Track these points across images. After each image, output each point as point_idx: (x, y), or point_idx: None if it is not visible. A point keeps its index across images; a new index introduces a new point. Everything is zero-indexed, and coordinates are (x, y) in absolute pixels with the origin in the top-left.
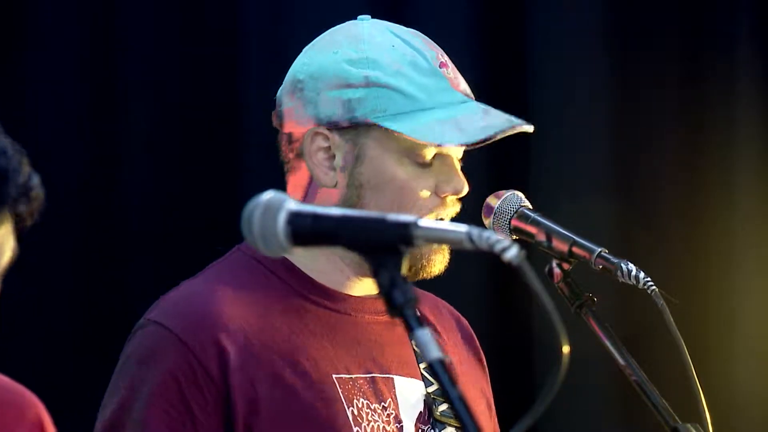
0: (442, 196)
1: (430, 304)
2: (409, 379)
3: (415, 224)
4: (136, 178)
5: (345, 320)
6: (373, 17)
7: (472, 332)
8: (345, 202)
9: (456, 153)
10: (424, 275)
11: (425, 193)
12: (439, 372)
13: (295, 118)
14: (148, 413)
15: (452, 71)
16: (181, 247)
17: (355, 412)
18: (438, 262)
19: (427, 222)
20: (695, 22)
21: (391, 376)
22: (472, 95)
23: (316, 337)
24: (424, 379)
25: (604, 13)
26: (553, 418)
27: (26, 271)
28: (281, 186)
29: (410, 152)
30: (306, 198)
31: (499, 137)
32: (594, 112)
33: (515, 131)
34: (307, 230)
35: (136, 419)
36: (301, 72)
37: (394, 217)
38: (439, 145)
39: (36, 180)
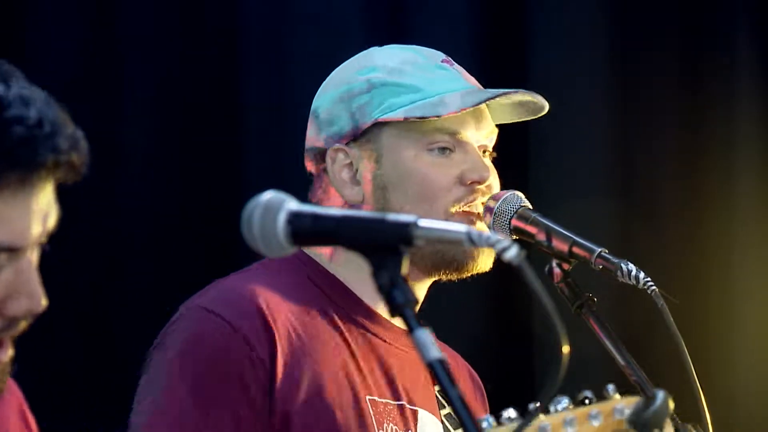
0: (468, 183)
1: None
2: (432, 416)
3: (414, 224)
4: (136, 180)
5: (381, 346)
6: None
7: (482, 385)
8: (374, 210)
9: (476, 141)
10: (474, 270)
11: (449, 183)
12: (439, 372)
13: (317, 144)
14: (213, 399)
15: (458, 68)
16: (181, 248)
17: None
18: (487, 255)
19: (426, 222)
20: (695, 22)
21: (416, 408)
22: (482, 88)
23: (354, 357)
24: (443, 423)
25: (604, 12)
26: None
27: None
28: (281, 186)
29: (425, 143)
30: None
31: (517, 105)
32: (594, 112)
33: (519, 97)
34: (307, 230)
35: (201, 405)
36: (316, 101)
37: (393, 217)
38: (438, 117)
39: (81, 134)
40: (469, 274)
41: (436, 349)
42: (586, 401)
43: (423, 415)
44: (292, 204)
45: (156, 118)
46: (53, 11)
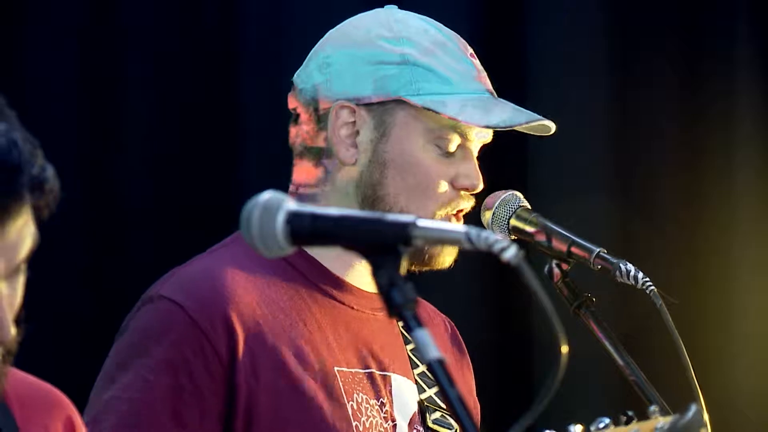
0: (459, 188)
1: (423, 316)
2: (405, 378)
3: (413, 224)
4: (135, 181)
5: (348, 313)
6: None
7: (457, 331)
8: (364, 181)
9: (476, 146)
10: (436, 265)
11: (444, 184)
12: (438, 372)
13: (323, 93)
14: (153, 391)
15: (479, 65)
16: (180, 249)
17: (355, 407)
18: (448, 252)
19: (425, 222)
20: (695, 22)
21: (388, 373)
22: (495, 95)
23: (321, 328)
24: (417, 384)
25: (604, 13)
26: (552, 418)
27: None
28: (281, 186)
29: (436, 138)
30: (322, 180)
31: (523, 126)
32: (594, 112)
33: (538, 123)
34: (306, 230)
35: (139, 396)
36: (331, 48)
37: (392, 216)
38: (465, 124)
39: (50, 172)
40: (432, 269)
41: (435, 348)
42: (629, 421)
43: (396, 379)
44: (291, 204)
45: (155, 118)
46: (53, 10)
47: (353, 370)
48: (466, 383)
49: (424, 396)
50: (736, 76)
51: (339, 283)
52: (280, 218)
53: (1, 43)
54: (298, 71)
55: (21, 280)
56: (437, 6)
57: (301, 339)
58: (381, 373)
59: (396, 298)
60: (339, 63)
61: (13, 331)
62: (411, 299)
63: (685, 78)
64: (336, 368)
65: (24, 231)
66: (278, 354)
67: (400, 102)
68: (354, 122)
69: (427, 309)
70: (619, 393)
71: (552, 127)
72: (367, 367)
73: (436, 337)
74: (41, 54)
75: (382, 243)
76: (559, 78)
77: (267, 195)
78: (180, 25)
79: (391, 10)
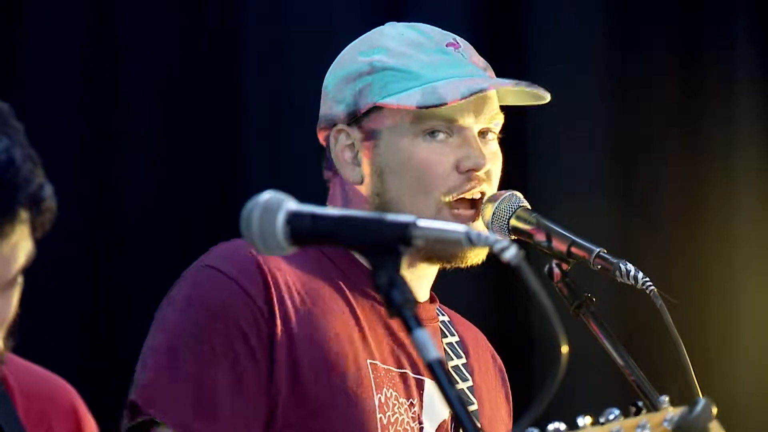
0: (464, 171)
1: (470, 335)
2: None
3: (413, 224)
4: (136, 181)
5: (391, 318)
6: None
7: (503, 369)
8: (371, 193)
9: (476, 126)
10: (467, 263)
11: (446, 171)
12: (437, 372)
13: (324, 123)
14: (213, 350)
15: (465, 50)
16: (181, 249)
17: (382, 400)
18: (478, 251)
19: (425, 222)
20: (694, 22)
21: (423, 378)
22: (493, 74)
23: (359, 323)
24: None
25: (603, 13)
26: (552, 418)
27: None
28: (281, 185)
29: (424, 131)
30: (343, 203)
31: (492, 88)
32: (594, 112)
33: (534, 92)
34: (306, 230)
35: (201, 357)
36: (327, 77)
37: (392, 217)
38: (426, 107)
39: (48, 191)
40: (462, 266)
41: (434, 349)
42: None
43: (430, 385)
44: (291, 204)
45: (156, 118)
46: (53, 10)
47: (387, 367)
48: (500, 414)
49: None
50: (736, 76)
51: None
52: (280, 218)
53: (1, 43)
54: None
55: (15, 293)
56: (438, 8)
57: (338, 328)
58: (415, 375)
59: (396, 298)
60: (330, 89)
61: (0, 344)
62: (410, 299)
63: (685, 78)
64: (369, 361)
65: (18, 247)
66: (316, 334)
67: (378, 109)
68: (352, 143)
69: (479, 339)
70: (619, 393)
71: (543, 93)
72: (402, 368)
73: (483, 363)
74: (41, 54)
75: (383, 243)
76: (559, 78)
77: (267, 195)
78: (180, 26)
79: (388, 25)
